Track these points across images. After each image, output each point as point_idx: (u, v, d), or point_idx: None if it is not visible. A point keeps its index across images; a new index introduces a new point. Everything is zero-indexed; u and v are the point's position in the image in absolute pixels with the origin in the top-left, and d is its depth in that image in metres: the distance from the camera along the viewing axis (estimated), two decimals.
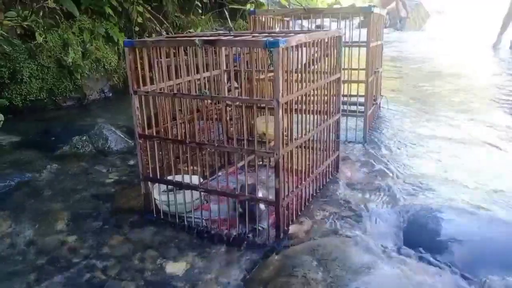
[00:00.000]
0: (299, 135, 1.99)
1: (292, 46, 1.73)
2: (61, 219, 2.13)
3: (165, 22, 5.36)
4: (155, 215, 2.08)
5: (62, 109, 4.41)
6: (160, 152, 2.04)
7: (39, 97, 4.17)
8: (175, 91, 1.97)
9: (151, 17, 5.20)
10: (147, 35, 5.12)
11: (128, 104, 2.05)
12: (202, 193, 2.00)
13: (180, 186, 1.99)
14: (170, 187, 2.02)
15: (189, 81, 2.13)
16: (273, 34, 1.92)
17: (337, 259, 1.61)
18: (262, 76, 2.81)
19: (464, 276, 1.59)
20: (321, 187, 2.33)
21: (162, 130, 2.11)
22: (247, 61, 2.66)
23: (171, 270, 1.72)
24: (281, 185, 1.77)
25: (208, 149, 1.92)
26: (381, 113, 3.94)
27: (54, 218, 2.13)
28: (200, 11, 5.97)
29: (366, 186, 2.38)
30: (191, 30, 5.44)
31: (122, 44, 4.70)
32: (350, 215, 2.05)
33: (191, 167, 2.06)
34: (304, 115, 2.00)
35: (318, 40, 2.00)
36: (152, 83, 1.98)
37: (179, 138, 2.00)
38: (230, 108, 2.57)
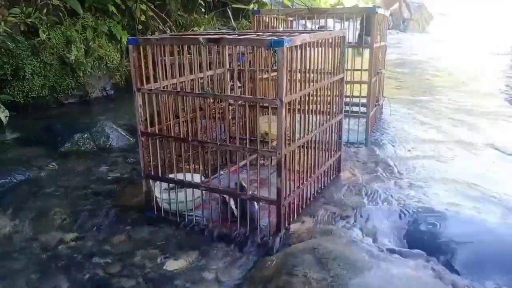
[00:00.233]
0: (302, 135, 1.99)
1: (296, 46, 1.73)
2: (62, 216, 2.13)
3: (168, 20, 5.36)
4: (156, 213, 2.08)
5: (64, 106, 4.42)
6: (162, 150, 2.04)
7: (41, 94, 4.18)
8: (178, 89, 1.97)
9: (154, 16, 5.21)
10: (150, 33, 5.12)
11: (129, 102, 2.05)
12: (203, 191, 2.00)
13: (182, 184, 1.99)
14: (171, 185, 2.02)
15: (192, 79, 2.13)
16: (277, 34, 1.92)
17: (337, 258, 1.61)
18: (265, 76, 2.81)
19: (463, 277, 1.59)
20: (322, 186, 2.32)
21: (165, 128, 2.11)
22: (250, 61, 2.66)
23: (171, 267, 1.72)
24: (282, 184, 1.77)
25: (210, 147, 1.92)
26: (383, 114, 3.94)
27: (55, 215, 2.13)
28: (203, 10, 5.98)
29: (367, 187, 2.38)
30: (194, 29, 5.45)
31: (125, 42, 4.73)
32: (351, 215, 2.05)
33: (193, 165, 2.06)
34: (306, 115, 2.00)
35: (322, 40, 2.00)
36: (155, 81, 1.99)
37: (181, 136, 2.00)
38: (232, 107, 2.57)
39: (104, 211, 2.16)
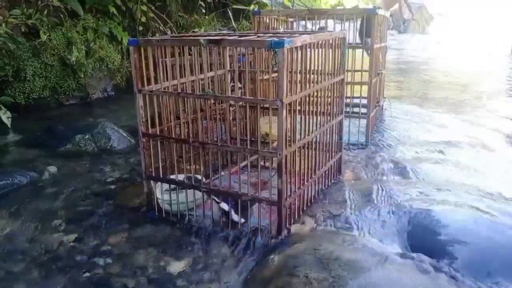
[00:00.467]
0: (302, 136, 1.99)
1: (297, 47, 1.73)
2: (63, 216, 2.13)
3: (168, 21, 5.37)
4: (157, 214, 2.08)
5: (65, 107, 4.43)
6: (163, 151, 2.05)
7: (42, 96, 4.19)
8: (179, 91, 1.98)
9: (155, 17, 5.22)
10: (150, 34, 5.13)
11: (130, 103, 2.06)
12: (204, 192, 2.00)
13: (183, 185, 1.99)
14: (172, 186, 2.02)
15: (193, 80, 2.13)
16: (278, 35, 1.92)
17: (338, 259, 1.61)
18: (266, 77, 2.81)
19: (464, 279, 1.58)
20: (323, 187, 2.33)
21: (166, 129, 2.11)
22: (250, 62, 2.66)
23: (172, 268, 1.73)
24: (283, 185, 1.77)
25: (211, 148, 1.92)
26: (384, 115, 3.94)
27: (56, 216, 2.14)
28: (203, 11, 5.99)
29: (368, 188, 2.38)
30: (195, 30, 5.45)
31: (125, 43, 4.74)
32: (352, 216, 2.05)
33: (194, 166, 2.07)
34: (307, 116, 2.00)
35: (322, 41, 2.01)
36: (156, 82, 1.99)
37: (182, 137, 2.00)
38: (233, 108, 2.57)
39: (105, 211, 2.17)
